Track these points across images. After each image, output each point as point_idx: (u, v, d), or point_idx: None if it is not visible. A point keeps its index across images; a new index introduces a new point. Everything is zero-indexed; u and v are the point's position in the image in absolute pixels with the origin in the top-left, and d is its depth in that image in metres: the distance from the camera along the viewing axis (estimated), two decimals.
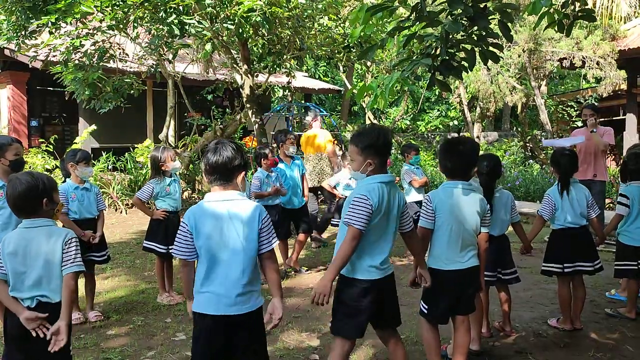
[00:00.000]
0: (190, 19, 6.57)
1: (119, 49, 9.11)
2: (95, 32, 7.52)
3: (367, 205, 2.79)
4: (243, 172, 2.68)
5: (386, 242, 2.95)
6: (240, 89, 9.54)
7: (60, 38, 7.49)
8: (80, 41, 7.40)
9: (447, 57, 3.15)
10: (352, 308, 2.90)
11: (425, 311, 3.32)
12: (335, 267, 2.82)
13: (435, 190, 3.38)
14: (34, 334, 2.61)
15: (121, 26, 7.31)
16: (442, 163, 3.37)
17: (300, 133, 15.52)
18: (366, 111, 18.57)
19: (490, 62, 3.40)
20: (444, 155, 3.38)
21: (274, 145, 6.35)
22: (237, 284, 2.57)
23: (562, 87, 23.02)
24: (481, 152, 3.84)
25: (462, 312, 3.34)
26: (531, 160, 14.17)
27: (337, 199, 6.77)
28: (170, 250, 5.04)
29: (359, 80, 21.31)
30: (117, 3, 6.68)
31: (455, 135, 17.55)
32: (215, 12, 6.87)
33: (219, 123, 11.50)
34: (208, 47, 7.72)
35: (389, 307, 3.04)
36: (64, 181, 4.73)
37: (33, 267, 2.67)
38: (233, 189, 2.64)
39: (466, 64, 3.27)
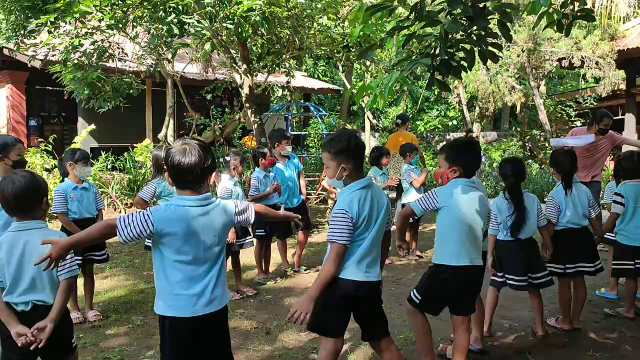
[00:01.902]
0: (190, 18, 6.56)
1: (118, 48, 9.10)
2: (94, 31, 7.51)
3: (347, 219, 2.79)
4: (213, 173, 2.59)
5: (373, 246, 2.91)
6: (240, 89, 9.54)
7: (59, 37, 7.49)
8: (79, 40, 7.40)
9: (447, 57, 3.15)
10: (329, 305, 2.86)
11: (417, 302, 3.32)
12: (318, 285, 2.78)
13: (444, 187, 3.34)
14: (19, 344, 2.56)
15: (120, 25, 7.30)
16: (459, 160, 3.33)
17: (299, 133, 15.57)
18: (365, 111, 18.58)
19: (489, 62, 3.41)
20: (459, 153, 3.37)
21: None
22: (209, 284, 2.51)
23: (561, 87, 23.03)
24: (506, 156, 3.90)
25: (462, 312, 3.34)
26: (530, 160, 14.18)
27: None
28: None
29: (358, 80, 21.30)
30: (116, 2, 6.69)
31: (463, 134, 17.55)
32: (214, 11, 6.86)
33: (218, 122, 11.51)
34: (207, 46, 7.72)
35: (371, 317, 2.99)
36: (62, 180, 4.72)
37: (27, 269, 2.64)
38: (205, 191, 2.53)
39: (465, 64, 3.27)
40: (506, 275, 4.01)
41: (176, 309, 2.48)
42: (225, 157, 5.43)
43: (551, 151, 13.55)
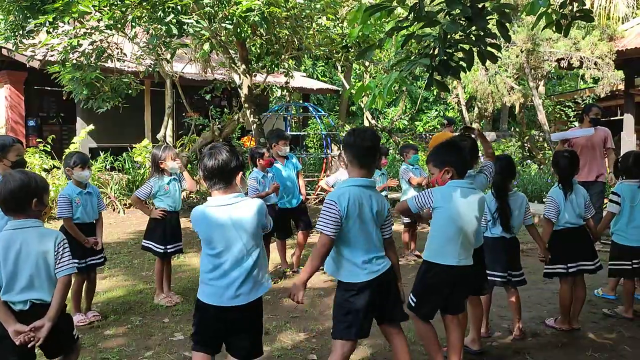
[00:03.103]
0: (189, 18, 6.55)
1: (117, 48, 9.09)
2: (93, 31, 7.50)
3: (335, 210, 2.85)
4: (240, 173, 2.80)
5: (368, 244, 2.93)
6: (239, 89, 9.53)
7: (57, 37, 7.48)
8: (78, 41, 7.38)
9: (445, 57, 3.16)
10: (345, 310, 2.92)
11: (413, 305, 3.32)
12: (306, 271, 2.95)
13: (442, 187, 3.32)
14: (17, 342, 2.57)
15: (119, 26, 7.29)
16: (448, 161, 3.33)
17: (298, 133, 15.54)
18: (364, 111, 18.58)
19: (488, 62, 3.41)
20: (444, 154, 3.37)
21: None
22: (237, 280, 2.77)
23: (560, 87, 23.04)
24: (497, 153, 3.89)
25: (452, 311, 3.35)
26: (529, 161, 14.19)
27: None
28: (168, 250, 5.04)
29: (357, 81, 21.32)
30: (115, 2, 6.67)
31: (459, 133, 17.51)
32: (213, 11, 6.85)
33: (217, 123, 11.49)
34: (206, 46, 7.72)
35: (387, 304, 3.02)
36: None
37: (24, 268, 2.65)
38: (233, 192, 2.77)
39: (464, 64, 3.27)
40: (487, 272, 4.01)
41: (207, 295, 2.78)
42: None
43: (550, 152, 13.53)
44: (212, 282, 2.78)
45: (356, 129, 3.14)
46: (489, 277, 3.95)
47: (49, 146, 10.54)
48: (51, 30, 7.30)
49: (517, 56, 13.35)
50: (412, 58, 3.33)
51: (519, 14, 12.16)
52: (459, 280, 3.29)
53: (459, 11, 3.00)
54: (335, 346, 2.95)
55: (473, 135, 3.97)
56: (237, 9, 6.61)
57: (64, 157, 4.87)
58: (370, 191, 2.97)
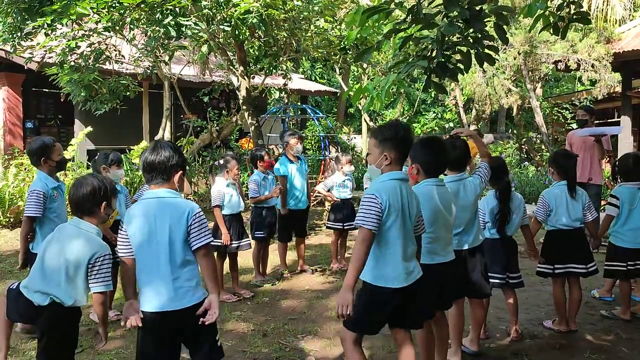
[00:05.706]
0: (187, 20, 6.55)
1: (115, 50, 9.08)
2: (91, 33, 7.49)
3: (376, 204, 2.72)
4: (180, 172, 2.71)
5: (408, 245, 2.85)
6: (237, 91, 9.52)
7: (56, 39, 7.47)
8: (76, 43, 7.37)
9: (443, 59, 3.17)
10: (365, 310, 2.85)
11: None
12: (351, 273, 2.70)
13: (414, 187, 3.30)
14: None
15: (117, 28, 7.28)
16: (416, 159, 3.25)
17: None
18: (362, 113, 18.59)
19: (485, 65, 3.41)
20: (417, 151, 3.26)
21: (271, 146, 6.33)
22: (167, 280, 2.59)
23: (558, 89, 23.08)
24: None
25: (443, 307, 3.38)
26: (527, 163, 14.22)
27: (332, 202, 6.73)
28: None
29: (355, 83, 21.33)
30: (113, 4, 6.66)
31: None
32: (211, 13, 6.86)
33: (215, 125, 11.49)
34: (204, 48, 7.72)
35: (412, 310, 2.96)
36: None
37: (57, 265, 2.74)
38: (169, 188, 2.68)
39: (462, 66, 3.29)
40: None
41: (141, 300, 2.62)
42: (220, 160, 5.42)
43: (548, 153, 13.54)
44: (140, 284, 2.65)
45: (394, 122, 2.95)
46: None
47: None
48: (49, 32, 7.29)
49: (514, 58, 13.38)
50: (409, 60, 3.34)
51: (516, 16, 12.19)
52: (442, 277, 3.25)
53: (456, 13, 3.01)
54: (347, 334, 2.89)
55: (466, 138, 3.91)
56: (236, 11, 6.62)
57: (95, 157, 4.83)
58: (407, 184, 2.89)
